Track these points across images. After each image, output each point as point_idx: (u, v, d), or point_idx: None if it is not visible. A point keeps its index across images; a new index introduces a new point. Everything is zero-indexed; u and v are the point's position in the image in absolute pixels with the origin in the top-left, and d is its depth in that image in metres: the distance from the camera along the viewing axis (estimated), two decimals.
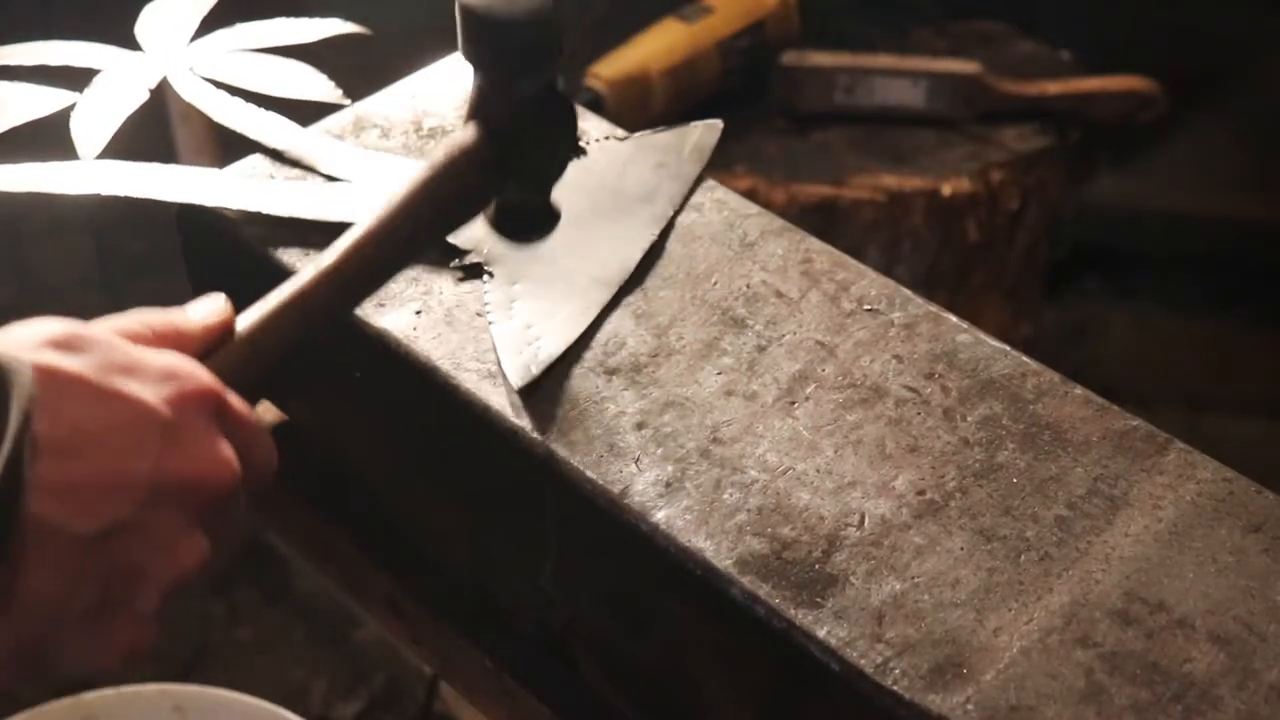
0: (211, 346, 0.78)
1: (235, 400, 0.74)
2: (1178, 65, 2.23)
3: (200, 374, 0.73)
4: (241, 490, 0.73)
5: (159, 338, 0.76)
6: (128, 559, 0.68)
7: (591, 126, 1.10)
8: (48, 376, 0.66)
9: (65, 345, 0.68)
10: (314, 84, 1.10)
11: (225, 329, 0.79)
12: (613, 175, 1.04)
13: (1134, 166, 2.47)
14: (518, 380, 0.91)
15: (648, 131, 1.08)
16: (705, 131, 1.08)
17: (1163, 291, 2.55)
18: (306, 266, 0.82)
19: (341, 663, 2.11)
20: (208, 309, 0.79)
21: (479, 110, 0.87)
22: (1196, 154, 2.55)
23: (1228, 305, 2.52)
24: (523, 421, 0.90)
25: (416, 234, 0.85)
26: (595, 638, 0.95)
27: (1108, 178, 2.34)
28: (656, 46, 2.03)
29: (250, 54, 1.11)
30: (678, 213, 1.02)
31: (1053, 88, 2.10)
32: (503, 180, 0.88)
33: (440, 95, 1.13)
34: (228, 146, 1.08)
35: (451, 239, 0.97)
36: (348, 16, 1.16)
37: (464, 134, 0.86)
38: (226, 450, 0.72)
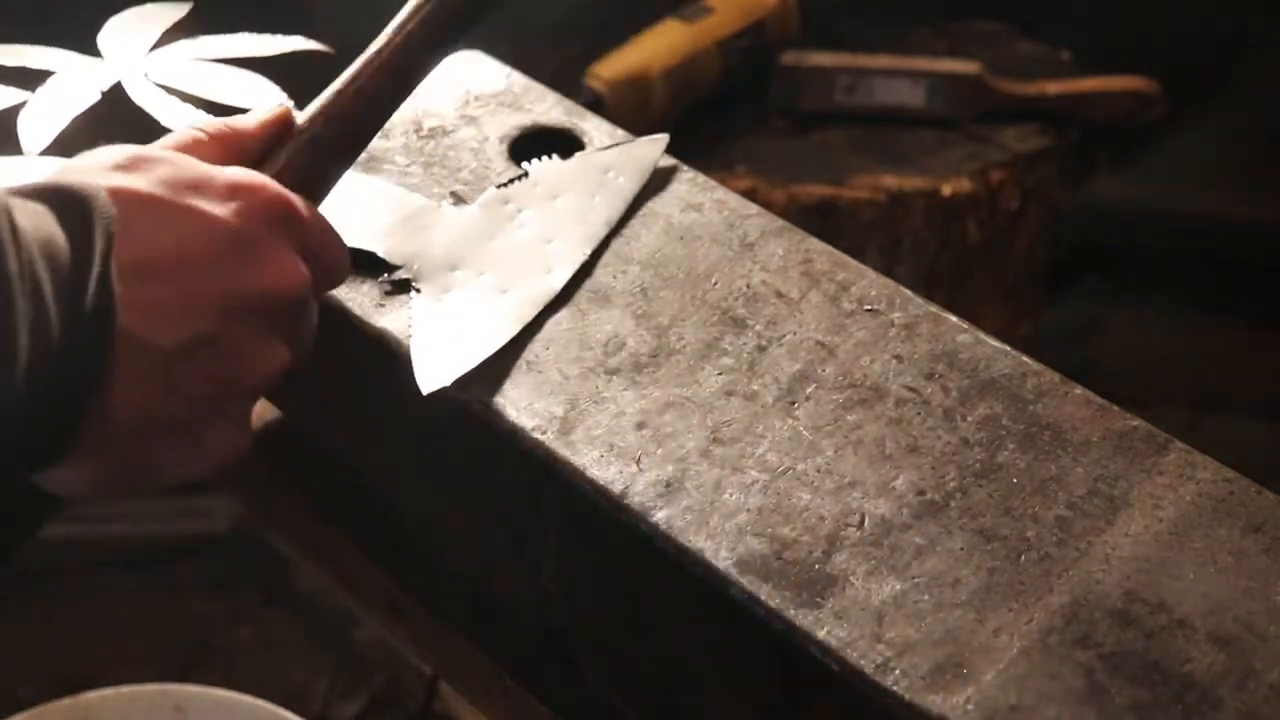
0: (270, 144, 0.80)
1: (301, 205, 0.75)
2: (1178, 65, 2.23)
3: (266, 185, 0.74)
4: (313, 295, 0.76)
5: (216, 141, 0.77)
6: (213, 369, 0.70)
7: (591, 126, 1.10)
8: (121, 198, 0.67)
9: (132, 167, 0.70)
10: (266, 93, 1.10)
11: (283, 126, 0.81)
12: (548, 194, 1.03)
13: (1134, 166, 2.47)
14: (427, 386, 0.91)
15: (592, 149, 1.08)
16: (648, 147, 1.07)
17: (1163, 291, 2.54)
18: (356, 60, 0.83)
19: (341, 663, 2.11)
20: (265, 108, 0.81)
21: None
22: (1196, 154, 2.54)
23: (1228, 305, 2.52)
24: (523, 421, 0.90)
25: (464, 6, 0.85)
26: (595, 638, 0.95)
27: (1108, 178, 2.34)
28: (656, 46, 2.03)
29: (207, 63, 1.11)
30: (614, 232, 1.02)
31: (1053, 88, 2.10)
32: None
33: (440, 95, 1.13)
34: None
35: (383, 254, 0.98)
36: (348, 17, 1.16)
37: None
38: (296, 260, 0.74)
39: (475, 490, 0.97)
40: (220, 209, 0.70)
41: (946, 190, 1.98)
